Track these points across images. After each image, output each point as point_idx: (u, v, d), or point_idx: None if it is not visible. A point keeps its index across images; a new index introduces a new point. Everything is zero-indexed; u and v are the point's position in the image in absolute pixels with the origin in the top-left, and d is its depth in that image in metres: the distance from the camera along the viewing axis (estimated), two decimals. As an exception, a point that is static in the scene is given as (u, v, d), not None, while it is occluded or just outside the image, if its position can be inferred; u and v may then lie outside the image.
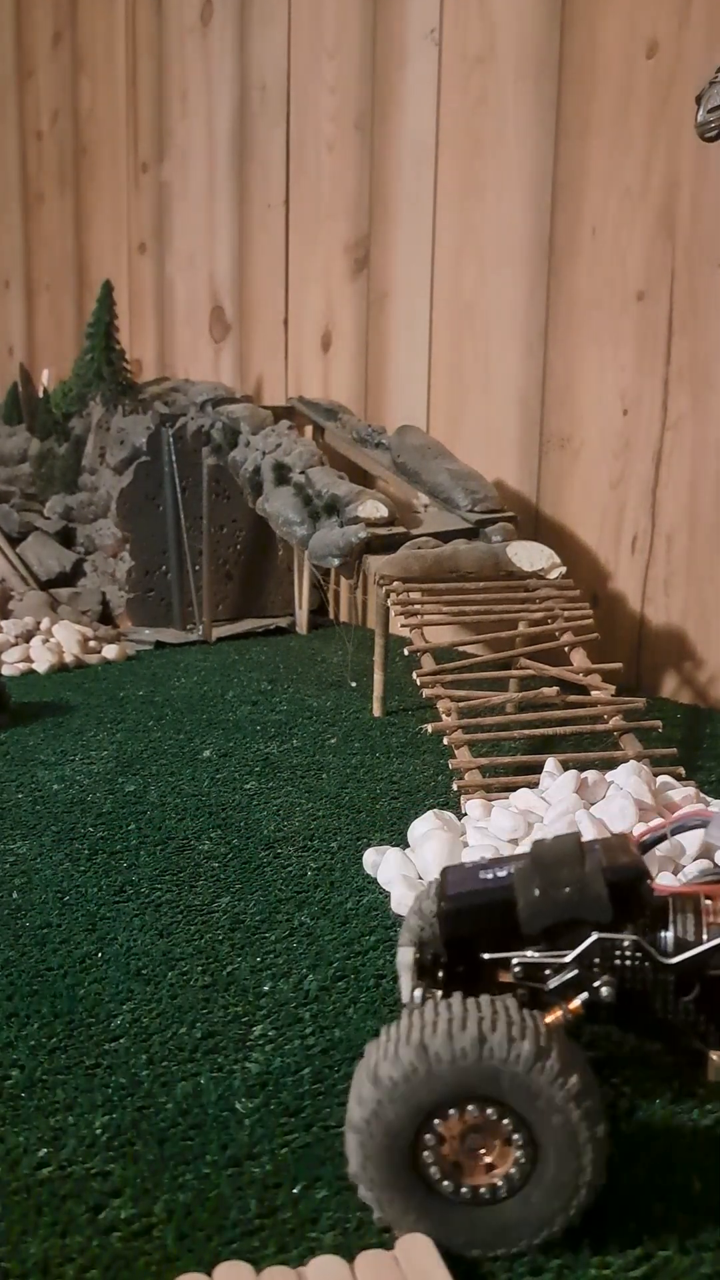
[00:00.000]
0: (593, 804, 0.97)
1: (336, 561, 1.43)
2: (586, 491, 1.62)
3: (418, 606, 1.35)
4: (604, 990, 0.58)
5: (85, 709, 1.44)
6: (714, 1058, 0.59)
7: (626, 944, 0.59)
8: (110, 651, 1.69)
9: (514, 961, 0.60)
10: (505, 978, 0.61)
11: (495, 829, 0.96)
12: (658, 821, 0.61)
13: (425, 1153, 0.55)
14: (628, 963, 0.59)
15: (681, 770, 1.13)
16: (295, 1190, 0.60)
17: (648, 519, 1.55)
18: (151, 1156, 0.63)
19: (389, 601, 1.36)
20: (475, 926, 0.62)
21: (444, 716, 1.17)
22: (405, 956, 0.61)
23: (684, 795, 1.01)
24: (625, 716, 1.20)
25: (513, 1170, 0.54)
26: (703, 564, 1.50)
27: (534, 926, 0.60)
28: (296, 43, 1.99)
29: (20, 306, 2.98)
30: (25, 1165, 0.62)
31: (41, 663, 1.62)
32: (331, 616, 2.01)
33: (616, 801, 0.95)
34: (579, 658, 1.29)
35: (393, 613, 1.36)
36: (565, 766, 1.06)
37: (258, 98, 2.09)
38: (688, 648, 1.52)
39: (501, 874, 0.63)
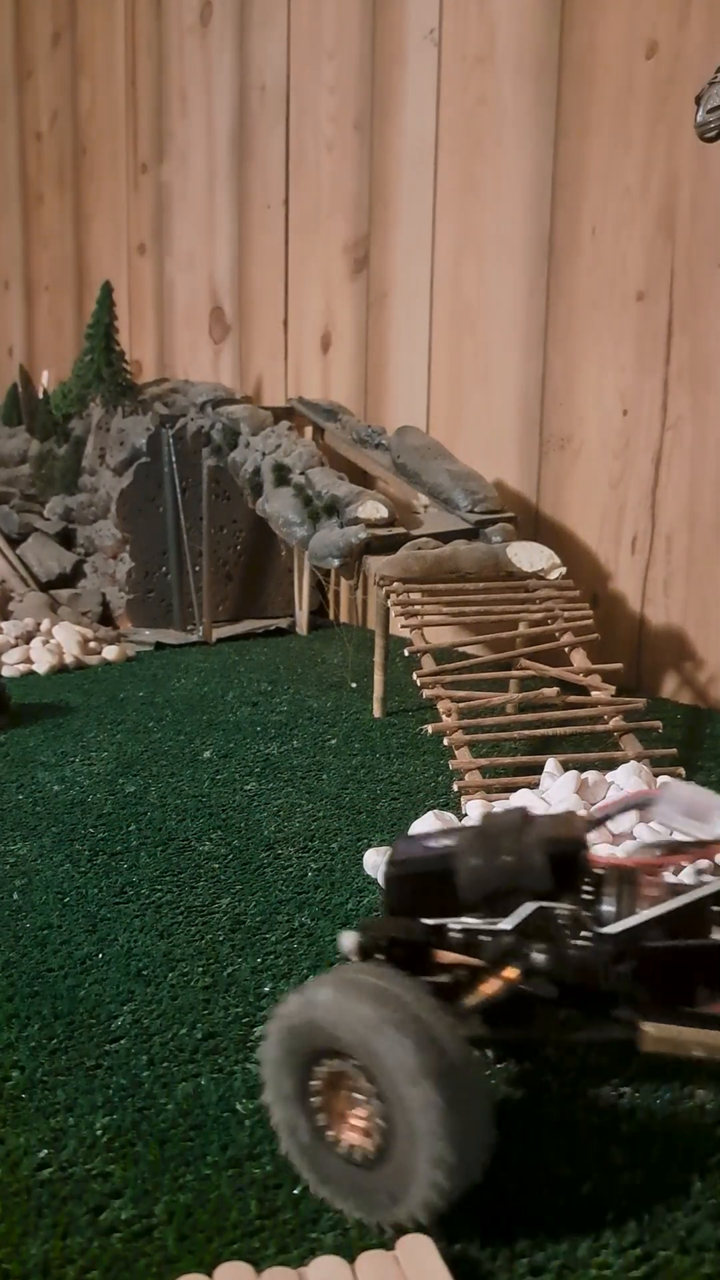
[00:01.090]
0: (593, 804, 0.97)
1: (336, 562, 1.43)
2: (586, 492, 1.62)
3: (418, 607, 1.35)
4: (538, 957, 0.59)
5: (85, 710, 1.44)
6: (646, 1029, 0.59)
7: (564, 913, 0.60)
8: (110, 652, 1.69)
9: (453, 927, 0.61)
10: (443, 958, 0.62)
11: (495, 829, 0.95)
12: (612, 798, 0.63)
13: (313, 1081, 0.57)
14: (565, 932, 0.60)
15: (682, 771, 1.13)
16: (295, 1191, 0.60)
17: (648, 519, 1.55)
18: (152, 1158, 0.63)
19: (389, 602, 1.36)
20: (418, 894, 0.63)
21: (444, 717, 1.17)
22: (347, 941, 0.63)
23: (684, 795, 1.01)
24: (625, 717, 1.19)
25: (372, 1138, 0.55)
26: (703, 564, 1.50)
27: (474, 894, 0.61)
28: (296, 43, 1.99)
29: (20, 307, 2.98)
30: (26, 1166, 0.62)
31: (41, 664, 1.62)
32: (332, 617, 2.01)
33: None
34: (579, 658, 1.29)
35: (393, 613, 1.36)
36: (565, 767, 1.06)
37: (257, 98, 2.09)
38: (688, 648, 1.52)
39: (448, 843, 0.63)
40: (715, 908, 0.60)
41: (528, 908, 0.60)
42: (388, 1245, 0.56)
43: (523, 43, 1.62)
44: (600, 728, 1.18)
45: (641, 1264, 0.56)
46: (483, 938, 0.61)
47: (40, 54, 2.76)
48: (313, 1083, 0.57)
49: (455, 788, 1.10)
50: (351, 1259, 0.55)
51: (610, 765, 1.10)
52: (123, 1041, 0.74)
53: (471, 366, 1.75)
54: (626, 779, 1.00)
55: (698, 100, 1.19)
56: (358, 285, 1.93)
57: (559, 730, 1.18)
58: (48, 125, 2.77)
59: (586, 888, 0.61)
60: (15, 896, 0.93)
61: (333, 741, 1.32)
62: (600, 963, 0.59)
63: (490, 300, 1.71)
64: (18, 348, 3.01)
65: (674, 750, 1.17)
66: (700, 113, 1.18)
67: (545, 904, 0.60)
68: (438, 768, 1.23)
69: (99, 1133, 0.65)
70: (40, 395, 2.11)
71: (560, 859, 0.60)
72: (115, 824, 1.08)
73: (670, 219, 1.48)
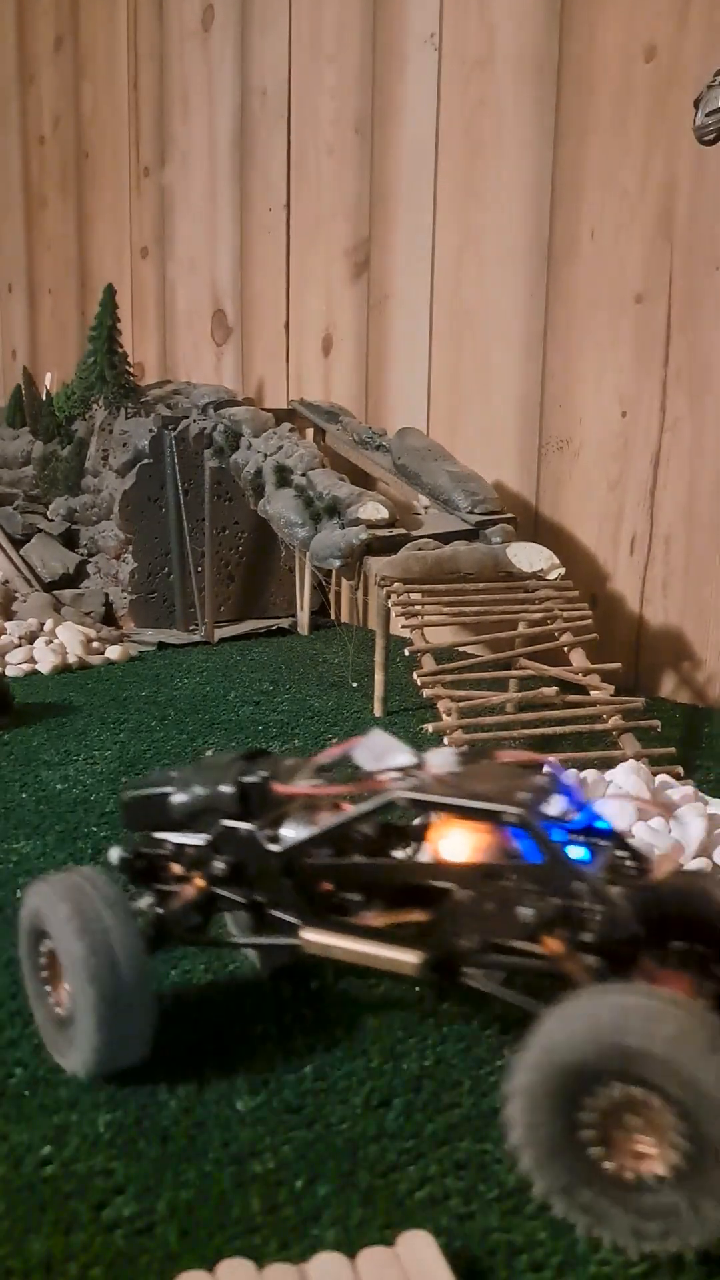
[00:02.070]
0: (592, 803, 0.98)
1: (337, 563, 1.44)
2: (585, 493, 1.62)
3: (418, 607, 1.35)
4: (217, 865, 0.71)
5: (88, 709, 1.44)
6: (305, 935, 0.69)
7: (243, 831, 0.71)
8: (113, 652, 1.70)
9: (169, 842, 0.74)
10: (174, 870, 0.74)
11: (495, 829, 0.96)
12: (339, 745, 0.74)
13: (40, 955, 0.71)
14: (244, 848, 0.71)
15: (680, 769, 1.13)
16: (297, 1187, 0.61)
17: (646, 520, 1.55)
18: (154, 1154, 0.63)
19: (390, 602, 1.37)
20: (144, 813, 0.75)
21: (444, 716, 1.18)
22: (112, 855, 0.75)
23: (682, 794, 1.02)
24: (624, 716, 1.20)
25: (65, 1004, 0.69)
26: (700, 565, 1.51)
27: (179, 813, 0.73)
28: (297, 47, 2.00)
29: (23, 310, 2.99)
30: (29, 1163, 0.63)
31: (45, 663, 1.63)
32: (333, 617, 2.02)
33: (616, 801, 0.96)
34: (578, 658, 1.30)
35: (393, 613, 1.37)
36: (565, 766, 1.06)
37: (258, 102, 2.10)
38: (686, 648, 1.53)
39: (176, 774, 0.75)
40: (402, 846, 0.70)
41: (219, 826, 0.71)
42: (389, 1242, 0.56)
43: (522, 46, 1.62)
44: (599, 727, 1.19)
45: (641, 1260, 0.56)
46: (187, 850, 0.73)
47: (42, 58, 2.76)
48: (40, 956, 0.71)
49: (455, 788, 1.11)
50: (352, 1255, 0.55)
51: (609, 764, 1.10)
52: (125, 1039, 0.74)
53: (471, 368, 1.76)
54: (625, 778, 1.01)
55: (696, 104, 1.20)
56: (358, 288, 1.94)
57: (558, 729, 1.18)
58: (50, 129, 2.78)
59: (274, 813, 0.71)
60: (18, 895, 0.94)
61: (334, 740, 1.33)
62: (269, 874, 0.70)
63: (490, 302, 1.72)
64: (21, 350, 3.01)
65: (672, 749, 1.18)
66: (699, 116, 1.19)
67: (229, 823, 0.71)
68: (438, 768, 1.23)
69: (101, 1129, 0.65)
70: (43, 397, 2.12)
71: (246, 788, 0.71)
72: (118, 823, 1.08)
73: (669, 221, 1.48)
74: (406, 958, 0.65)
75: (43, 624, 1.74)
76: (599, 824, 0.66)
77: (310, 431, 1.87)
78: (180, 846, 0.73)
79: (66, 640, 1.69)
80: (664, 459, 1.52)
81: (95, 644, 1.72)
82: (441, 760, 0.68)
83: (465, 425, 1.78)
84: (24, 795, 1.16)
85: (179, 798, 0.73)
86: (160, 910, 0.72)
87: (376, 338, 1.92)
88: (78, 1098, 0.68)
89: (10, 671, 1.61)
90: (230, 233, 2.21)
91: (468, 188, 1.73)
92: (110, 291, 1.92)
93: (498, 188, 1.68)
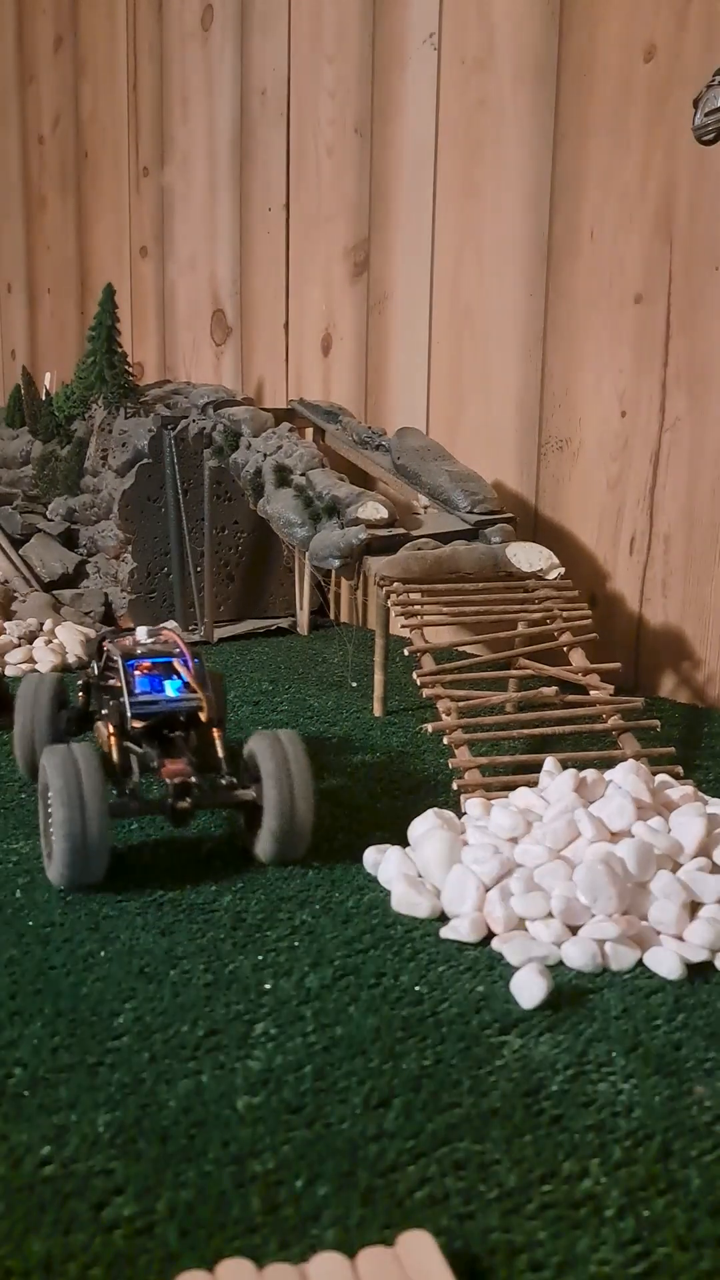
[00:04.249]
0: (591, 803, 0.98)
1: (337, 563, 1.44)
2: (585, 493, 1.62)
3: (417, 607, 1.35)
4: (88, 682, 1.13)
5: (87, 711, 1.44)
6: (96, 724, 1.08)
7: (91, 666, 1.12)
8: (112, 653, 1.69)
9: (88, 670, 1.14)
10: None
11: (495, 828, 0.96)
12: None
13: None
14: (100, 671, 1.10)
15: (680, 769, 1.13)
16: (297, 1187, 0.61)
17: (646, 520, 1.55)
18: (154, 1154, 0.63)
19: (389, 602, 1.37)
20: (86, 655, 1.23)
21: (444, 716, 1.18)
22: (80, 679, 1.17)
23: (682, 794, 1.01)
24: (623, 716, 1.20)
25: None
26: (700, 564, 1.51)
27: (88, 655, 1.20)
28: (296, 47, 2.00)
29: (23, 310, 2.99)
30: (28, 1163, 0.63)
31: (44, 664, 1.63)
32: (332, 617, 2.02)
33: (615, 800, 0.95)
34: (578, 658, 1.30)
35: (393, 613, 1.37)
36: (564, 766, 1.06)
37: (258, 102, 2.10)
38: (685, 648, 1.53)
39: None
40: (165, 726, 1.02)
41: (94, 666, 1.12)
42: (389, 1242, 0.56)
43: (522, 46, 1.62)
44: (599, 727, 1.19)
45: (640, 1260, 0.56)
46: (89, 674, 1.14)
47: (42, 58, 2.76)
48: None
49: (455, 786, 1.11)
50: (352, 1256, 0.55)
51: (609, 764, 1.10)
52: (125, 1039, 0.74)
53: (471, 368, 1.76)
54: (625, 777, 1.01)
55: (695, 103, 1.20)
56: (358, 288, 1.94)
57: (558, 729, 1.18)
58: (50, 129, 2.78)
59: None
60: (18, 894, 0.94)
61: (333, 740, 1.33)
62: (94, 690, 1.11)
63: (489, 302, 1.72)
64: (21, 350, 3.01)
65: (672, 749, 1.18)
66: (698, 116, 1.19)
67: (97, 663, 1.11)
68: (437, 766, 1.23)
69: (101, 1129, 0.65)
70: (43, 397, 2.12)
71: (98, 641, 1.11)
72: (117, 821, 1.08)
73: (668, 221, 1.48)
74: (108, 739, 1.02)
75: (42, 624, 1.74)
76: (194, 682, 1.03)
77: (310, 431, 1.87)
78: (89, 674, 1.13)
79: (66, 640, 1.69)
80: (663, 459, 1.52)
81: (94, 644, 1.72)
82: (140, 632, 1.07)
83: (465, 425, 1.78)
84: (23, 795, 1.16)
85: (86, 649, 1.24)
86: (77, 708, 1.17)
87: (376, 337, 1.92)
88: (77, 1098, 0.68)
89: (9, 671, 1.61)
90: (230, 232, 2.21)
91: (467, 188, 1.73)
92: (110, 291, 1.92)
93: (497, 188, 1.68)
